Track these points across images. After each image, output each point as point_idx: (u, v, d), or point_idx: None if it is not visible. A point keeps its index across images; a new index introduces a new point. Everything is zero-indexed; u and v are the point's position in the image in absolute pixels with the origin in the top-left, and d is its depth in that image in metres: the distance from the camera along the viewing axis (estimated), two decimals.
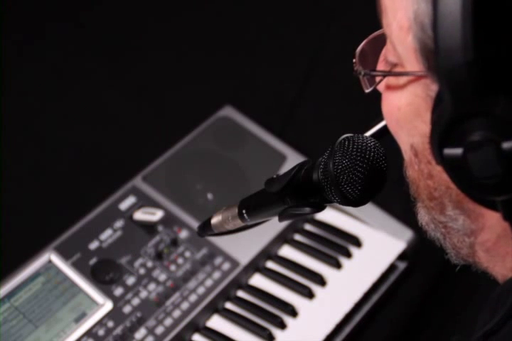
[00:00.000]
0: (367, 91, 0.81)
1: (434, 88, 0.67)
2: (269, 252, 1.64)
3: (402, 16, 0.67)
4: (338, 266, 1.62)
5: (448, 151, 0.64)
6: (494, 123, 0.61)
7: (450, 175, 0.66)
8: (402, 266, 1.66)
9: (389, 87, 0.75)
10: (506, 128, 0.61)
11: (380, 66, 0.79)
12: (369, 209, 1.68)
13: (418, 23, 0.65)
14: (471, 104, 0.62)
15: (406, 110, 0.72)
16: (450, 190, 0.71)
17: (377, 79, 0.78)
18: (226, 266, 1.58)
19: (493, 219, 0.71)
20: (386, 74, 0.75)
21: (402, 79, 0.71)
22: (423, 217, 0.79)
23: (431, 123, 0.67)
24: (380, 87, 0.79)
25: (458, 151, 0.63)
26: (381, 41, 0.79)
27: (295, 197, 0.88)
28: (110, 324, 1.46)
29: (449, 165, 0.65)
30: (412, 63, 0.69)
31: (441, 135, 0.64)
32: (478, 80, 0.61)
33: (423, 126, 0.70)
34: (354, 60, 0.81)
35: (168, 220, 1.62)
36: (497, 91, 0.61)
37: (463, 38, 0.60)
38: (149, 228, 1.60)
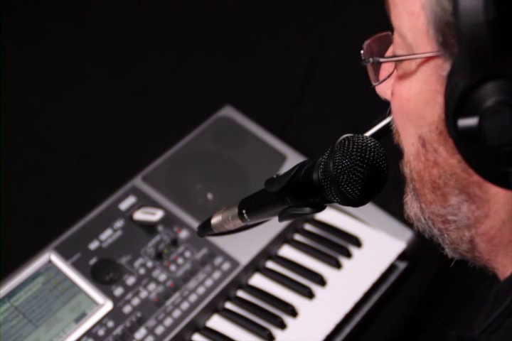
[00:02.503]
0: (374, 84, 0.81)
1: (446, 67, 0.67)
2: (269, 252, 1.64)
3: (412, 1, 0.67)
4: (338, 266, 1.62)
5: (463, 122, 0.64)
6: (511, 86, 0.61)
7: (462, 150, 0.65)
8: (402, 266, 1.66)
9: (398, 80, 0.74)
10: None
11: (388, 65, 0.79)
12: (369, 209, 1.68)
13: None
14: (490, 66, 0.61)
15: (416, 99, 0.72)
16: (456, 175, 0.71)
17: (384, 75, 0.78)
18: (226, 266, 1.58)
19: (498, 204, 0.70)
20: (396, 59, 0.74)
21: (411, 68, 0.71)
22: (415, 211, 0.79)
23: (444, 97, 0.66)
24: (383, 92, 0.79)
25: (474, 120, 0.63)
26: (386, 42, 0.80)
27: (295, 197, 0.88)
28: (110, 324, 1.46)
29: (464, 137, 0.64)
30: (424, 46, 0.68)
31: (457, 105, 0.64)
32: (498, 41, 0.60)
33: (432, 112, 0.70)
34: (362, 51, 0.81)
35: (168, 220, 1.62)
36: None
37: None
38: (149, 228, 1.60)
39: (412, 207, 0.79)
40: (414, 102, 0.72)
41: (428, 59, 0.69)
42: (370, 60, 0.79)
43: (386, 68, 0.80)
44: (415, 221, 0.80)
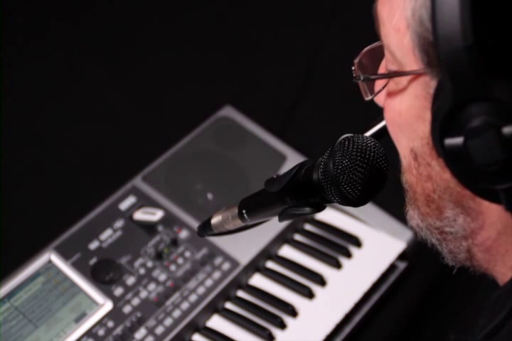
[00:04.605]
0: (367, 99, 0.81)
1: (433, 85, 0.67)
2: (269, 252, 1.64)
3: (398, 18, 0.68)
4: (338, 266, 1.62)
5: (449, 141, 0.64)
6: (494, 107, 0.61)
7: (451, 168, 0.66)
8: (402, 266, 1.66)
9: (389, 94, 0.75)
10: (506, 113, 0.61)
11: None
12: (369, 209, 1.68)
13: (416, 18, 0.66)
14: (472, 89, 0.62)
15: (407, 114, 0.72)
16: (450, 189, 0.71)
17: (378, 87, 0.79)
18: (226, 266, 1.58)
19: (493, 216, 0.71)
20: (385, 76, 0.75)
21: (402, 83, 0.72)
22: (416, 222, 0.79)
23: (431, 117, 0.67)
24: (380, 100, 0.80)
25: (459, 140, 0.63)
26: (378, 53, 0.80)
27: (295, 197, 0.88)
28: (110, 324, 1.46)
29: (451, 156, 0.65)
30: (411, 64, 0.69)
31: (442, 125, 0.65)
32: (478, 65, 0.61)
33: (423, 128, 0.70)
34: (353, 68, 0.82)
35: (168, 220, 1.62)
36: (497, 75, 0.61)
37: (462, 22, 0.61)
38: (149, 228, 1.60)
39: (413, 217, 0.79)
40: (405, 116, 0.72)
41: (416, 76, 0.69)
42: (361, 77, 0.79)
43: (380, 80, 0.81)
44: (417, 230, 0.80)
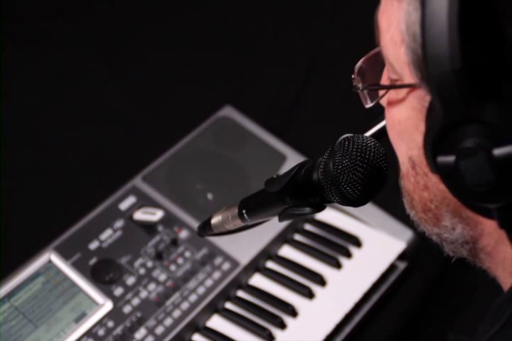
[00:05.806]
0: (367, 106, 0.82)
1: (428, 99, 0.68)
2: (269, 252, 1.64)
3: (394, 31, 0.68)
4: (338, 266, 1.62)
5: (441, 159, 0.64)
6: (484, 130, 0.61)
7: (445, 183, 0.66)
8: (402, 266, 1.66)
9: (390, 102, 0.75)
10: (497, 135, 0.61)
11: (384, 80, 0.80)
12: (369, 209, 1.68)
13: (410, 33, 0.66)
14: (461, 111, 0.62)
15: (406, 123, 0.72)
16: (447, 200, 0.71)
17: (380, 93, 0.79)
18: (226, 266, 1.58)
19: (490, 226, 0.71)
20: (383, 87, 0.76)
21: (401, 94, 0.72)
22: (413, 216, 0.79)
23: (424, 133, 0.67)
24: (384, 101, 0.80)
25: (451, 159, 0.64)
26: (378, 59, 0.80)
27: (295, 197, 0.88)
28: (110, 324, 1.46)
29: (444, 173, 0.65)
30: (408, 76, 0.69)
31: (434, 143, 0.65)
32: (467, 87, 0.61)
33: (421, 139, 0.70)
34: (353, 76, 0.82)
35: (168, 220, 1.62)
36: (486, 98, 0.61)
37: (450, 46, 0.61)
38: (149, 228, 1.60)
39: (409, 210, 0.79)
40: (404, 125, 0.73)
41: (413, 89, 0.69)
42: (360, 86, 0.80)
43: (385, 80, 0.81)
44: (416, 221, 0.80)
